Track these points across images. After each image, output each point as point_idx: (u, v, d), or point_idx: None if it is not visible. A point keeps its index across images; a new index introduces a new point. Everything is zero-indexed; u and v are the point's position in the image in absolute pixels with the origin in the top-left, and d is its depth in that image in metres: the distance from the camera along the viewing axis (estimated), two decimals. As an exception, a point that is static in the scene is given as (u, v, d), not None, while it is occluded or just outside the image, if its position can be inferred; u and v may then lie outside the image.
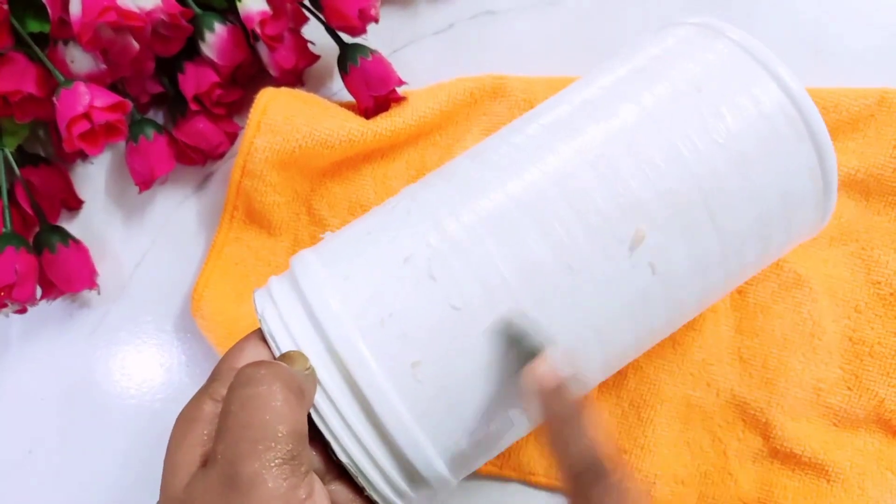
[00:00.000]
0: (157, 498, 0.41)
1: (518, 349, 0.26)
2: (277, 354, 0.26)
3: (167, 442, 0.25)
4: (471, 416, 0.27)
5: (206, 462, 0.24)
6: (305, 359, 0.26)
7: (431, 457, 0.26)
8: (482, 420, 0.27)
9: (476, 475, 0.38)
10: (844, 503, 0.35)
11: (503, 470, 0.38)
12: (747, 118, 0.28)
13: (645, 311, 0.29)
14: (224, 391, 0.25)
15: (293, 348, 0.26)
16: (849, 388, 0.37)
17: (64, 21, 0.38)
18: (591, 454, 0.23)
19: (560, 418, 0.24)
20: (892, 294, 0.37)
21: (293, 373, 0.25)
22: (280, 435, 0.23)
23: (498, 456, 0.38)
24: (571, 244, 0.27)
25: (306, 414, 0.25)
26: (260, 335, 0.28)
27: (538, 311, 0.27)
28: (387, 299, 0.26)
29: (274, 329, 0.27)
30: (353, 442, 0.26)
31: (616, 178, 0.27)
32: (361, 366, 0.25)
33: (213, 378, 0.26)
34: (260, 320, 0.27)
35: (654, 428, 0.37)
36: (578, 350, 0.28)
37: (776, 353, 0.37)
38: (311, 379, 0.25)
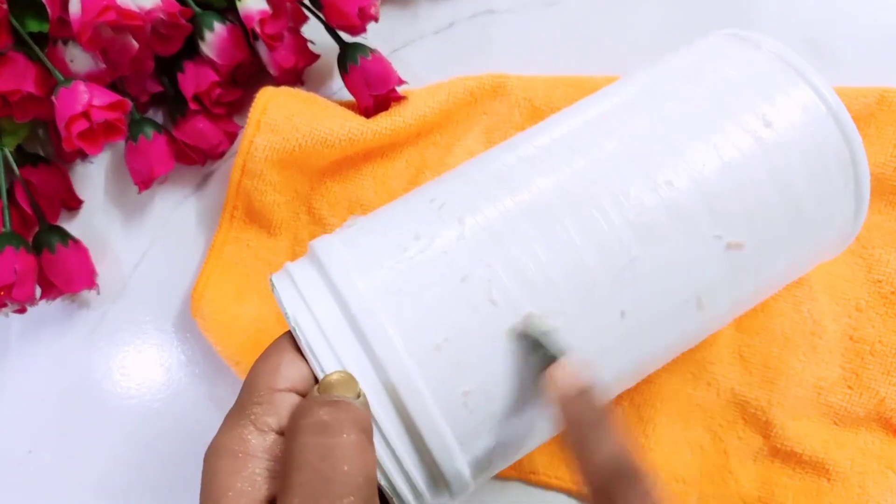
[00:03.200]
0: (158, 496, 0.41)
1: (538, 353, 0.25)
2: (320, 375, 0.24)
3: (205, 477, 0.23)
4: (510, 439, 0.26)
5: None
6: (356, 383, 0.24)
7: (469, 481, 0.26)
8: (519, 442, 0.27)
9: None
10: (845, 502, 0.35)
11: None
12: (793, 132, 0.27)
13: (682, 324, 0.28)
14: (269, 419, 0.24)
15: (338, 368, 0.24)
16: (849, 387, 0.37)
17: (63, 20, 0.38)
18: (619, 459, 0.22)
19: (583, 423, 0.23)
20: (892, 293, 0.37)
21: (363, 413, 0.23)
22: (358, 486, 0.21)
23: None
24: (625, 258, 0.26)
25: (375, 454, 0.24)
26: (290, 343, 0.25)
27: (592, 339, 0.26)
28: (443, 323, 0.25)
29: (316, 347, 0.24)
30: (397, 470, 0.24)
31: (662, 180, 0.27)
32: (415, 396, 0.24)
33: (252, 401, 0.24)
34: (293, 328, 0.25)
35: (654, 427, 0.37)
36: (624, 377, 0.28)
37: (776, 352, 0.37)
38: (368, 409, 0.24)
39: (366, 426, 0.23)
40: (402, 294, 0.25)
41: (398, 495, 0.25)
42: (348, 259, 0.26)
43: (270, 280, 0.27)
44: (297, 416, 0.23)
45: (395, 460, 0.24)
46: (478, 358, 0.25)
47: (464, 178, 0.29)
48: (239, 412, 0.24)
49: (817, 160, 0.28)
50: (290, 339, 0.25)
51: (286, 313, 0.25)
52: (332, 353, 0.24)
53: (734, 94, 0.28)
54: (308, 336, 0.25)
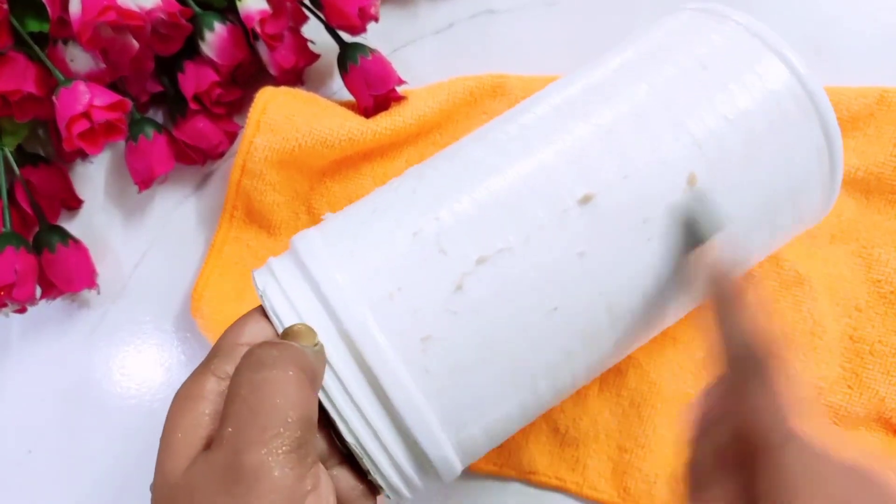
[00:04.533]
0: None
1: (694, 228, 0.26)
2: (281, 330, 0.25)
3: (165, 422, 0.24)
4: (480, 397, 0.27)
5: (209, 445, 0.23)
6: (313, 333, 0.25)
7: (440, 438, 0.26)
8: (492, 402, 0.27)
9: (476, 474, 0.38)
10: (845, 502, 0.35)
11: (503, 469, 0.38)
12: (755, 96, 0.28)
13: (656, 287, 0.28)
14: (228, 368, 0.25)
15: (297, 321, 0.25)
16: (849, 387, 0.37)
17: (63, 20, 0.38)
18: (754, 340, 0.23)
19: (727, 300, 0.24)
20: (892, 292, 0.37)
21: (306, 354, 0.24)
22: (290, 421, 0.22)
23: (498, 455, 0.38)
24: (581, 219, 0.27)
25: (317, 398, 0.24)
26: (262, 311, 0.27)
27: (550, 284, 0.26)
28: (395, 274, 0.26)
29: (277, 305, 0.26)
30: (360, 422, 0.25)
31: (627, 156, 0.27)
32: (370, 341, 0.25)
33: (214, 354, 0.25)
34: (261, 297, 0.27)
35: (654, 427, 0.37)
36: (589, 329, 0.28)
37: (777, 352, 0.37)
38: (321, 357, 0.25)
39: (305, 366, 0.23)
40: (357, 254, 0.27)
41: (362, 447, 0.25)
42: (315, 238, 0.28)
43: (252, 274, 0.29)
44: (242, 357, 0.24)
45: (357, 409, 0.25)
46: (431, 305, 0.26)
47: (426, 164, 0.31)
48: (202, 365, 0.25)
49: (788, 128, 0.28)
50: (260, 308, 0.27)
51: (256, 286, 0.27)
52: (292, 310, 0.26)
53: (701, 71, 0.28)
54: (272, 299, 0.26)
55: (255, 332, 0.26)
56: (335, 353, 0.25)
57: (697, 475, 0.23)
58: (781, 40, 0.29)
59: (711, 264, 0.25)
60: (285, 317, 0.26)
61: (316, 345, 0.25)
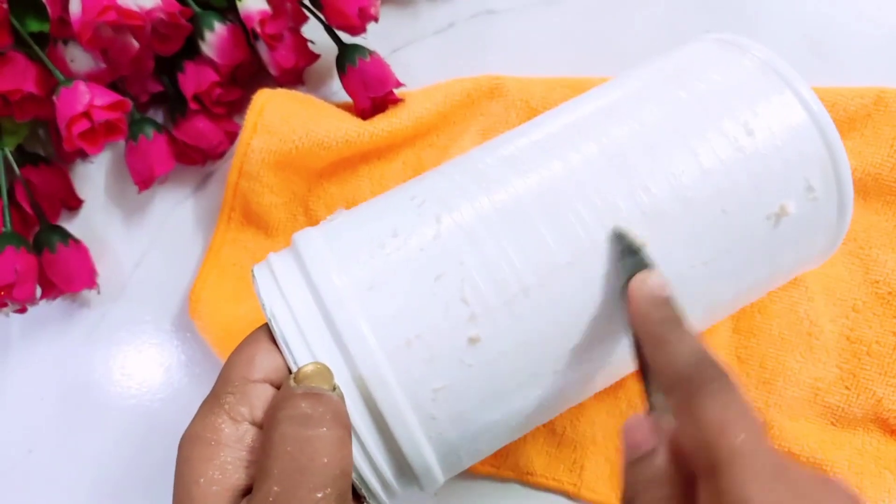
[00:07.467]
0: (157, 495, 0.41)
1: (628, 260, 0.26)
2: (293, 367, 0.24)
3: (178, 465, 0.23)
4: (480, 437, 0.27)
5: (246, 497, 0.22)
6: (331, 375, 0.24)
7: (438, 477, 0.26)
8: (489, 440, 0.27)
9: (474, 475, 0.38)
10: (842, 503, 0.35)
11: (501, 470, 0.38)
12: (774, 137, 0.27)
13: None
14: (243, 409, 0.24)
15: (311, 360, 0.24)
16: (847, 388, 0.37)
17: (64, 20, 0.38)
18: (702, 356, 0.22)
19: (667, 323, 0.24)
20: (889, 293, 0.37)
21: (344, 407, 0.23)
22: (335, 478, 0.22)
23: (496, 456, 0.38)
24: (597, 260, 0.26)
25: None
26: (266, 335, 0.25)
27: (559, 341, 0.26)
28: (415, 319, 0.25)
29: (290, 339, 0.25)
30: (366, 462, 0.25)
31: (639, 184, 0.27)
32: (385, 390, 0.24)
33: (226, 390, 0.24)
34: (269, 319, 0.25)
35: (652, 427, 0.38)
36: (588, 377, 0.28)
37: (773, 353, 0.37)
38: (344, 402, 0.24)
39: (345, 420, 0.23)
40: (375, 290, 0.25)
41: (367, 487, 0.25)
42: (326, 253, 0.26)
43: (252, 271, 0.27)
44: (277, 406, 0.23)
45: (364, 453, 0.25)
46: (447, 357, 0.25)
47: (445, 177, 0.29)
48: (213, 401, 0.24)
49: (798, 168, 0.28)
50: (267, 331, 0.26)
51: (263, 305, 0.26)
52: (305, 346, 0.25)
53: (717, 101, 0.28)
54: (283, 328, 0.25)
55: (267, 367, 0.25)
56: (347, 396, 0.24)
57: None
58: (800, 78, 0.28)
59: (653, 288, 0.25)
60: (299, 355, 0.25)
61: (335, 388, 0.24)
